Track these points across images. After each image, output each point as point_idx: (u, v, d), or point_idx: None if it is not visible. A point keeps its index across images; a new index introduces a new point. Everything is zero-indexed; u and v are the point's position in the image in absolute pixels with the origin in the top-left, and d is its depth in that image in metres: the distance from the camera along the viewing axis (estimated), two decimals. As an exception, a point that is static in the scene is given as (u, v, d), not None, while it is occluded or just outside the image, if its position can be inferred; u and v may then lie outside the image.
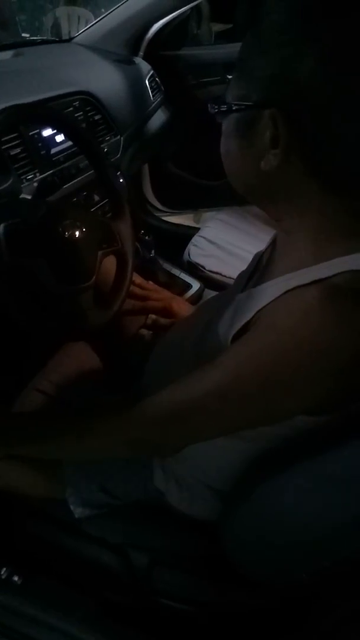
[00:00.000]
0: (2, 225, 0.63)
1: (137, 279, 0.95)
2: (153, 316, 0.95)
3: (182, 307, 0.94)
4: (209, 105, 0.55)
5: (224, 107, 0.52)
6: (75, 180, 0.97)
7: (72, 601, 0.77)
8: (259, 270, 0.66)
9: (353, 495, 0.54)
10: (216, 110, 0.54)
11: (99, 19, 1.47)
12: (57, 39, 1.62)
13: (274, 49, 0.46)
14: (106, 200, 1.07)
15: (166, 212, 1.91)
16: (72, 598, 0.77)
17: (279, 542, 0.62)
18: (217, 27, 3.13)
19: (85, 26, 1.52)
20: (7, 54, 1.24)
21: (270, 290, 0.52)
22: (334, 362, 0.46)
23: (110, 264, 0.80)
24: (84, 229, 0.74)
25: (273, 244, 0.66)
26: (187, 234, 1.57)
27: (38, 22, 2.89)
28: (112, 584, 0.76)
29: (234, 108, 0.51)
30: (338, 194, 0.50)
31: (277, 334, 0.48)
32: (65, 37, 2.09)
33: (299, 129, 0.46)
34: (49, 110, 0.78)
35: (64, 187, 0.94)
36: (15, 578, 0.77)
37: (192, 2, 1.45)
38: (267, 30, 0.47)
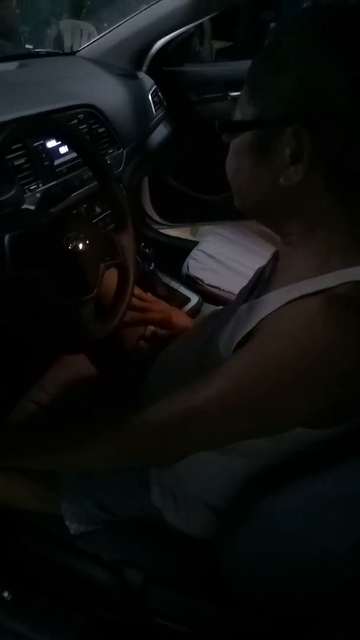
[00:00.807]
0: (7, 236, 0.63)
1: (136, 290, 0.95)
2: (152, 328, 0.95)
3: (182, 319, 0.94)
4: (216, 125, 0.54)
5: (235, 126, 0.53)
6: (79, 192, 0.98)
7: (63, 619, 0.75)
8: (261, 283, 0.67)
9: (355, 514, 0.53)
10: (226, 130, 0.54)
11: (103, 33, 1.49)
12: (61, 52, 1.64)
13: (294, 65, 0.46)
14: (107, 212, 1.07)
15: (164, 225, 1.92)
16: (64, 616, 0.75)
17: (277, 562, 0.61)
18: (217, 44, 3.19)
19: (88, 40, 1.54)
20: (12, 65, 1.25)
21: (273, 300, 0.53)
22: (337, 369, 0.46)
23: (111, 276, 0.80)
24: (87, 241, 0.74)
25: (274, 257, 0.67)
26: (185, 247, 1.57)
27: (41, 34, 2.92)
28: (105, 602, 0.74)
29: (249, 126, 0.51)
30: (353, 207, 0.50)
31: (280, 341, 0.48)
32: (67, 49, 2.11)
33: (323, 143, 0.47)
34: (55, 123, 0.78)
35: (68, 198, 0.94)
36: (5, 594, 0.76)
37: (196, 20, 1.47)
38: (283, 47, 0.47)
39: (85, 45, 1.50)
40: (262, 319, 0.53)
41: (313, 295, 0.48)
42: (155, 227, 1.91)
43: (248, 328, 0.54)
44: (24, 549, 0.78)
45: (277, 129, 0.48)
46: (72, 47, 2.65)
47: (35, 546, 0.77)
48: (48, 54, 1.52)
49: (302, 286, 0.50)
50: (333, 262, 0.50)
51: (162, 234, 1.90)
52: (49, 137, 0.93)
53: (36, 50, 1.66)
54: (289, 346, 0.47)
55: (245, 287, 0.75)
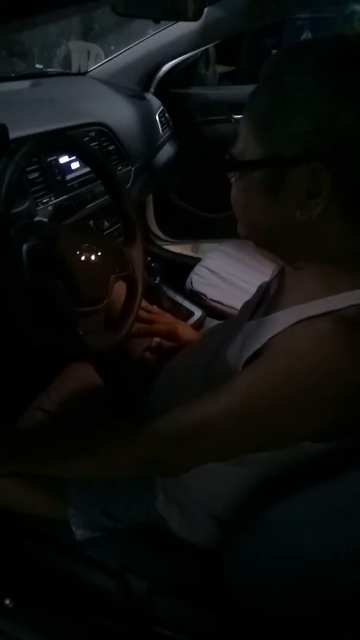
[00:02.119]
0: (24, 245, 0.65)
1: (143, 302, 0.97)
2: (158, 339, 0.97)
3: (187, 332, 0.96)
4: (225, 169, 0.55)
5: (248, 165, 0.52)
6: (90, 206, 1.00)
7: (65, 627, 0.75)
8: (266, 300, 0.69)
9: (357, 522, 0.55)
10: (238, 169, 0.54)
11: (113, 55, 1.54)
12: (72, 72, 1.69)
13: (309, 105, 0.46)
14: (116, 226, 1.10)
15: (166, 241, 1.96)
16: (66, 624, 0.75)
17: (281, 571, 0.62)
18: (220, 68, 3.29)
19: (95, 61, 1.59)
20: (25, 84, 1.29)
21: (282, 319, 0.55)
22: (344, 387, 0.49)
23: (119, 288, 0.82)
24: (98, 253, 0.76)
25: (280, 274, 0.69)
26: (188, 263, 1.60)
27: (50, 54, 3.00)
28: (108, 611, 0.74)
29: (264, 165, 0.51)
30: None
31: (290, 360, 0.50)
32: (75, 70, 2.18)
33: (341, 179, 0.48)
34: (73, 140, 0.82)
35: (80, 211, 0.97)
36: (7, 601, 0.76)
37: (203, 46, 1.53)
38: (292, 87, 0.47)
39: (95, 66, 1.55)
40: (272, 337, 0.54)
41: (321, 316, 0.50)
42: (159, 243, 1.94)
43: (258, 345, 0.56)
44: (27, 555, 0.78)
45: (294, 166, 0.49)
46: (79, 67, 2.72)
47: (39, 552, 0.77)
48: (59, 74, 1.57)
49: (310, 307, 0.52)
50: (341, 284, 0.52)
51: (165, 249, 1.93)
52: (66, 153, 0.96)
53: (48, 70, 1.71)
54: (299, 365, 0.49)
55: (250, 301, 0.76)
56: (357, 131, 0.45)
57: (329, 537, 0.57)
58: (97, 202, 1.02)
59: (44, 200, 0.93)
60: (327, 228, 0.52)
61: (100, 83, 1.45)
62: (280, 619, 0.67)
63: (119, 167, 1.20)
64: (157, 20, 1.10)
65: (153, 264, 1.20)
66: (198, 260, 1.54)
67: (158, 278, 1.22)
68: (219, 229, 1.74)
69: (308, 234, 0.53)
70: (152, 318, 0.96)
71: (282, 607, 0.65)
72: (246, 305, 0.78)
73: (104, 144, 1.15)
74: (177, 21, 1.30)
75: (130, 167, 1.23)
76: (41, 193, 0.93)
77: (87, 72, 1.54)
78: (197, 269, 1.45)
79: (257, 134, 0.51)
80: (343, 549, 0.56)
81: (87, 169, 1.02)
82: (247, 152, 0.52)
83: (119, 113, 1.30)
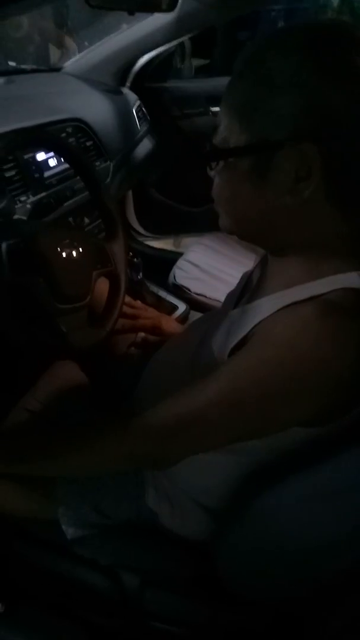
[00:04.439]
0: (4, 244, 0.64)
1: (126, 298, 0.97)
2: (142, 334, 0.96)
3: (171, 326, 0.96)
4: (210, 159, 0.55)
5: (235, 152, 0.52)
6: (70, 202, 0.99)
7: (60, 628, 0.74)
8: (250, 288, 0.69)
9: (348, 506, 0.55)
10: (226, 156, 0.53)
11: (87, 50, 1.52)
12: (46, 68, 1.67)
13: (293, 87, 0.46)
14: (96, 223, 1.10)
15: (148, 237, 1.95)
16: (60, 625, 0.75)
17: (274, 558, 0.62)
18: (196, 62, 3.27)
19: (69, 57, 1.57)
20: (-1, 81, 1.26)
21: (266, 306, 0.55)
22: (330, 372, 0.49)
23: (102, 284, 0.81)
24: (80, 249, 0.75)
25: (262, 262, 0.69)
26: (170, 258, 1.60)
27: (23, 51, 2.95)
28: (102, 607, 0.74)
29: (253, 150, 0.50)
30: (350, 216, 0.52)
31: (276, 347, 0.50)
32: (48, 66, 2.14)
33: (331, 157, 0.48)
34: (50, 135, 0.81)
35: (59, 208, 0.96)
36: (-1, 606, 0.75)
37: (178, 39, 1.52)
38: (275, 72, 0.47)
39: (70, 61, 1.53)
40: (256, 325, 0.54)
41: (305, 301, 0.50)
42: (140, 239, 1.93)
43: (242, 333, 0.56)
44: (18, 557, 0.77)
45: (281, 150, 0.48)
46: (53, 64, 2.69)
47: (30, 554, 0.76)
48: (34, 71, 1.55)
49: (294, 292, 0.52)
50: (324, 269, 0.52)
51: (146, 245, 1.92)
52: (44, 149, 0.95)
53: (22, 66, 1.69)
54: (285, 352, 0.49)
55: (233, 291, 0.77)
56: (344, 108, 0.46)
57: (320, 521, 0.57)
58: (76, 198, 1.01)
59: (22, 198, 0.92)
60: (314, 211, 0.52)
61: (75, 79, 1.44)
62: (274, 607, 0.67)
63: (97, 163, 1.19)
64: (131, 12, 1.09)
65: (135, 259, 1.19)
66: (180, 254, 1.54)
67: (141, 273, 1.22)
68: (200, 222, 1.75)
69: (295, 219, 0.53)
70: (136, 313, 0.96)
71: (276, 595, 0.65)
72: (230, 295, 0.78)
73: (81, 140, 1.14)
74: (151, 12, 1.29)
75: (108, 163, 1.22)
76: (19, 191, 0.92)
77: (61, 68, 1.52)
78: (180, 263, 1.45)
79: (242, 121, 0.50)
80: (335, 533, 0.56)
81: (65, 166, 1.01)
82: (230, 141, 0.52)
83: (95, 108, 1.29)
